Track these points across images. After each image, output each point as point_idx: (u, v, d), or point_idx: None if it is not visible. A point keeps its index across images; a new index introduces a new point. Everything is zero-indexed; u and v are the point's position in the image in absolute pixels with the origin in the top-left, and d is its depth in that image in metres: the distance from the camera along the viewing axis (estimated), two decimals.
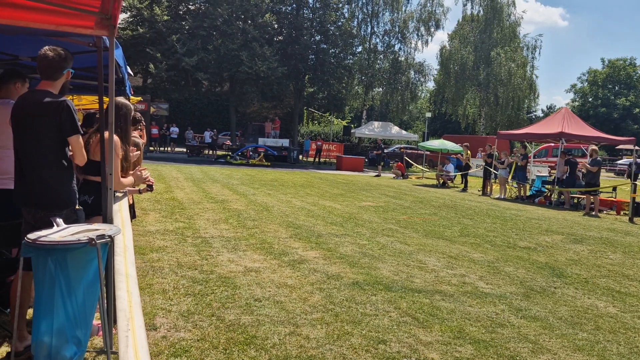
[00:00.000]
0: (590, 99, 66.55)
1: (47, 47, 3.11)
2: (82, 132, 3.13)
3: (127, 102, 4.03)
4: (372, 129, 33.93)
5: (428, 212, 11.59)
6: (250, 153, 25.68)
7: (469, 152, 19.55)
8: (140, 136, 5.20)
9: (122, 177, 3.91)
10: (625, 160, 38.62)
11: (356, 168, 26.53)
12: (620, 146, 37.15)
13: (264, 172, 20.36)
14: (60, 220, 2.81)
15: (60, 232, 2.70)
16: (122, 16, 28.99)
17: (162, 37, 28.08)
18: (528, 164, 19.34)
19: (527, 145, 20.00)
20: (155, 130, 29.26)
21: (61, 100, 3.04)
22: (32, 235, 2.60)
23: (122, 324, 2.49)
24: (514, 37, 38.23)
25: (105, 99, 3.35)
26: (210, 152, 30.49)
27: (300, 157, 32.15)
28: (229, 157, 26.02)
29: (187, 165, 21.49)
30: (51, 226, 2.79)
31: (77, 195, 3.29)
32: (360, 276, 5.64)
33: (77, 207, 3.27)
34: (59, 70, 3.12)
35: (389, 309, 4.62)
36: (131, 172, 3.96)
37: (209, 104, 40.58)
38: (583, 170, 14.51)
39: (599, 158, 14.10)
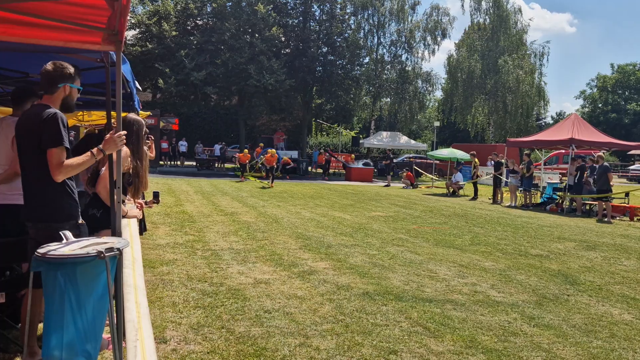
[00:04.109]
0: (600, 105, 66.12)
1: (50, 62, 3.13)
2: (65, 145, 2.97)
3: (138, 118, 4.07)
4: (380, 139, 33.93)
5: (438, 221, 11.52)
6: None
7: (476, 160, 19.47)
8: (148, 148, 5.24)
9: (134, 197, 3.97)
10: (637, 166, 38.26)
11: (365, 178, 26.49)
12: (632, 151, 36.80)
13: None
14: (69, 234, 2.82)
15: (69, 245, 2.72)
16: (131, 32, 29.43)
17: (170, 53, 28.39)
18: (539, 171, 19.21)
19: (537, 151, 19.84)
20: (165, 145, 29.49)
21: (47, 111, 2.98)
22: (41, 250, 2.62)
23: (131, 334, 2.49)
24: (521, 45, 38.12)
25: (113, 114, 3.38)
26: (220, 165, 30.68)
27: (310, 168, 32.19)
28: (240, 172, 25.86)
29: (197, 178, 21.60)
30: (52, 240, 2.79)
31: (79, 209, 3.25)
32: (371, 286, 5.61)
33: (80, 221, 3.24)
34: (54, 84, 3.10)
35: (399, 319, 4.59)
36: (137, 201, 4.00)
37: (218, 118, 40.86)
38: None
39: (605, 164, 13.96)
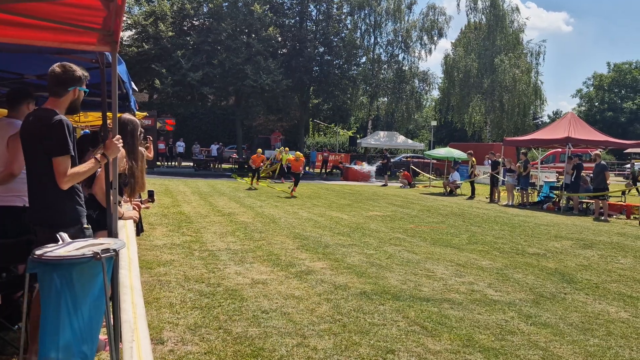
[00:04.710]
0: (596, 104, 66.30)
1: (57, 64, 3.02)
2: (71, 153, 2.92)
3: (133, 118, 4.06)
4: (377, 139, 33.96)
5: (435, 221, 11.53)
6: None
7: (473, 159, 19.49)
8: (147, 148, 5.24)
9: (130, 197, 3.97)
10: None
11: (363, 178, 26.50)
12: (629, 150, 36.91)
13: (270, 184, 20.37)
14: (65, 235, 2.81)
15: (66, 247, 2.71)
16: (128, 33, 29.39)
17: (167, 53, 28.35)
18: (535, 170, 19.24)
19: (534, 150, 19.85)
20: (162, 145, 29.46)
21: (54, 118, 2.90)
22: (37, 251, 2.61)
23: (127, 335, 2.49)
24: (517, 44, 38.19)
25: (109, 115, 3.37)
26: (218, 165, 30.65)
27: (307, 168, 32.16)
28: (235, 175, 25.71)
29: (194, 179, 21.57)
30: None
31: (85, 213, 3.20)
32: (368, 286, 5.62)
33: (85, 225, 3.17)
34: (64, 87, 3.01)
35: (397, 318, 4.59)
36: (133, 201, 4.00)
37: (215, 118, 40.77)
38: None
39: (603, 162, 14.00)
